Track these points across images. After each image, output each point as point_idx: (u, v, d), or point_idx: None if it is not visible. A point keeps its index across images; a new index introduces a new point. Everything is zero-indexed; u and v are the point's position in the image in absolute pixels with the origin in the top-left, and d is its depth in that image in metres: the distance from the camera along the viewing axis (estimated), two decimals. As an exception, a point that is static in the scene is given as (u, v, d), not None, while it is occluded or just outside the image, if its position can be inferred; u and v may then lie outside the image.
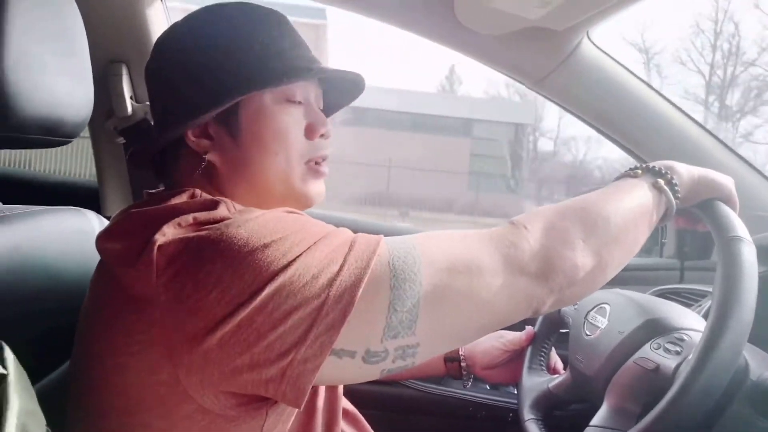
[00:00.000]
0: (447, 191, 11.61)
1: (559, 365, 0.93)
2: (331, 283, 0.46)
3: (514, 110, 13.35)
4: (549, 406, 0.84)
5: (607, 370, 0.70)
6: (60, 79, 0.55)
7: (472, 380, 0.94)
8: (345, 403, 0.72)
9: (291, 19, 0.64)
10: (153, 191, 0.62)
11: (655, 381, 0.63)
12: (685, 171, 0.62)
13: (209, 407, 0.47)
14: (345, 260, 0.47)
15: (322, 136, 0.62)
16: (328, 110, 0.69)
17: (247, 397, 0.48)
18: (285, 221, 0.49)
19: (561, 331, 0.91)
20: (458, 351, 0.93)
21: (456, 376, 0.94)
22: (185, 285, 0.46)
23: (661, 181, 0.60)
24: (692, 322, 0.69)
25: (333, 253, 0.47)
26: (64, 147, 0.63)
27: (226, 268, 0.45)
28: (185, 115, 0.57)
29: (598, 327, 0.76)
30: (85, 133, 0.89)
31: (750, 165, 1.06)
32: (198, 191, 0.55)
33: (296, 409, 0.53)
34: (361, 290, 0.46)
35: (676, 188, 0.60)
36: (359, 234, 0.51)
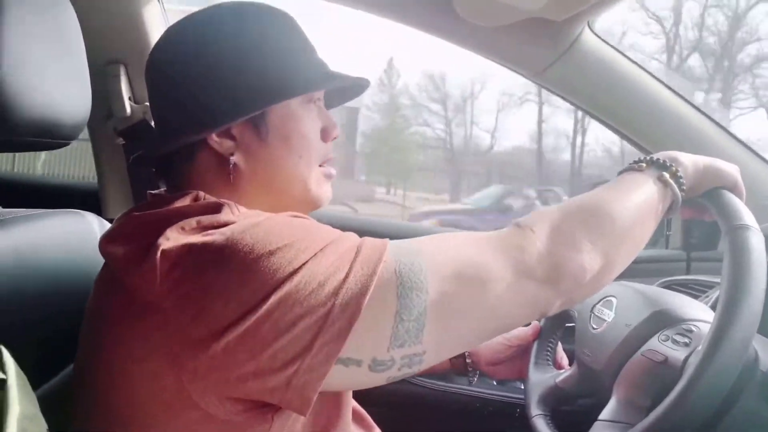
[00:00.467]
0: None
1: (565, 360, 0.92)
2: (337, 291, 0.45)
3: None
4: (556, 401, 0.84)
5: (614, 363, 0.69)
6: (57, 81, 0.55)
7: (477, 376, 0.93)
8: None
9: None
10: (156, 192, 0.62)
11: (663, 373, 0.62)
12: (689, 161, 0.61)
13: (214, 413, 0.47)
14: (351, 267, 0.46)
15: (333, 138, 0.63)
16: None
17: (253, 404, 0.47)
18: (291, 227, 0.49)
19: (567, 325, 0.90)
20: None
21: (461, 372, 0.93)
22: (189, 291, 0.45)
23: (666, 174, 0.59)
24: (700, 313, 0.68)
25: (339, 260, 0.47)
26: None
27: (231, 275, 0.45)
28: (213, 120, 0.56)
29: (605, 320, 0.75)
30: (85, 135, 0.89)
31: (755, 152, 1.05)
32: (201, 194, 0.54)
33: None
34: (367, 299, 0.45)
35: (681, 180, 0.59)
36: (365, 239, 0.50)
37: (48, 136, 0.55)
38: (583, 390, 0.81)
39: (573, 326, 0.85)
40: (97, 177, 1.19)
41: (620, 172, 0.62)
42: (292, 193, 0.60)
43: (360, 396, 0.75)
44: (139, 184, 1.16)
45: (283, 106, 0.58)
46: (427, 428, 1.13)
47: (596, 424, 0.65)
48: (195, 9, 0.61)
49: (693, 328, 0.65)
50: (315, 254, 0.46)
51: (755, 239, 0.56)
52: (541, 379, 0.86)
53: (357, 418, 0.72)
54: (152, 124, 1.06)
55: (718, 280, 0.91)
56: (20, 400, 0.38)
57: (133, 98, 1.10)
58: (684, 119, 1.04)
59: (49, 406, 0.46)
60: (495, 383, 1.13)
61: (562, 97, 1.08)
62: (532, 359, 0.89)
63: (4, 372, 0.38)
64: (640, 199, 0.57)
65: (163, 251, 0.46)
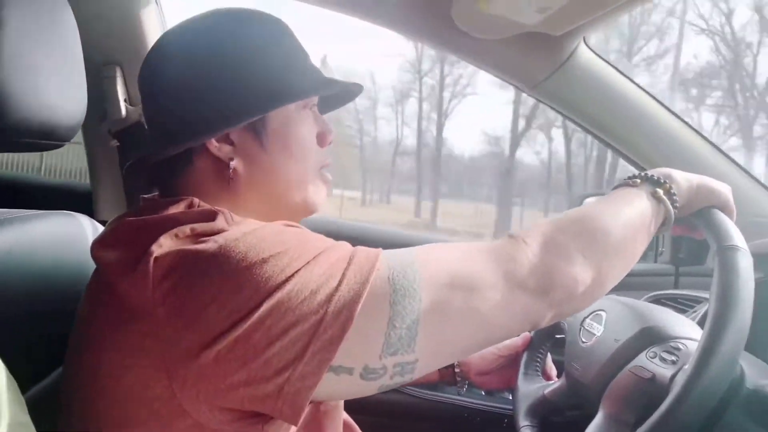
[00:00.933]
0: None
1: (553, 371, 0.93)
2: (329, 299, 0.45)
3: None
4: (544, 412, 0.84)
5: (602, 378, 0.70)
6: (53, 82, 0.54)
7: (467, 386, 0.93)
8: None
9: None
10: (149, 197, 0.61)
11: (650, 390, 0.63)
12: (683, 179, 0.62)
13: (204, 422, 0.47)
14: (344, 275, 0.46)
15: (329, 143, 0.64)
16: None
17: (244, 413, 0.47)
18: (284, 235, 0.49)
19: (557, 336, 0.90)
20: None
21: (450, 382, 0.93)
22: (181, 298, 0.45)
23: (660, 191, 0.60)
24: (688, 331, 0.69)
25: (332, 269, 0.47)
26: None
27: (223, 283, 0.45)
28: (214, 125, 0.56)
29: (594, 334, 0.76)
30: (78, 137, 0.88)
31: (745, 171, 1.07)
32: (196, 200, 0.54)
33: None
34: (360, 306, 0.45)
35: (674, 198, 0.60)
36: (358, 248, 0.50)
37: (43, 137, 0.55)
38: (571, 402, 0.81)
39: (563, 338, 0.86)
40: (89, 178, 1.19)
41: (614, 187, 0.63)
42: (290, 198, 0.60)
43: (349, 405, 0.75)
44: (133, 186, 1.16)
45: (282, 111, 0.58)
46: None
47: None
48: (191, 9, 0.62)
49: (681, 346, 0.65)
50: (308, 262, 0.46)
51: (744, 261, 0.57)
52: (529, 389, 0.86)
53: (345, 428, 0.72)
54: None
55: (705, 295, 0.92)
56: (10, 406, 0.38)
57: (129, 100, 1.10)
58: (676, 136, 1.05)
59: (37, 410, 0.46)
60: (483, 393, 1.14)
61: (558, 111, 1.09)
62: (522, 369, 0.89)
63: None
64: (633, 215, 0.57)
65: (156, 258, 0.46)
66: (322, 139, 0.63)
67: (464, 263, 0.50)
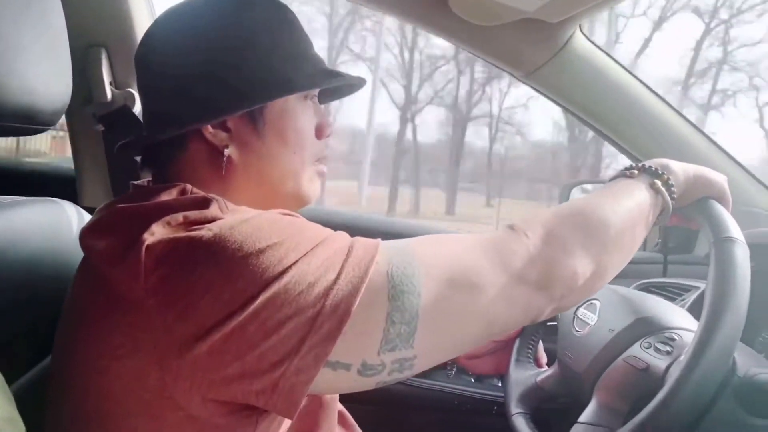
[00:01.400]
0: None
1: (544, 359, 0.93)
2: (327, 292, 0.44)
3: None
4: (536, 399, 0.85)
5: (596, 367, 0.70)
6: (37, 65, 0.52)
7: (455, 370, 0.93)
8: None
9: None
10: (138, 183, 0.59)
11: (644, 380, 0.63)
12: (680, 170, 0.62)
13: (197, 414, 0.46)
14: (342, 268, 0.45)
15: (327, 136, 0.63)
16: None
17: (237, 406, 0.46)
18: (280, 224, 0.47)
19: (549, 324, 0.91)
20: None
21: (439, 365, 0.93)
22: (174, 288, 0.44)
23: (658, 182, 0.59)
24: (682, 321, 0.69)
25: (330, 261, 0.46)
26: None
27: (218, 273, 0.43)
28: (211, 111, 0.54)
29: (588, 323, 0.76)
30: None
31: (735, 161, 1.08)
32: (189, 187, 0.53)
33: None
34: (357, 301, 0.44)
35: (672, 188, 0.60)
36: (357, 239, 0.49)
37: (26, 121, 0.53)
38: (563, 390, 0.82)
39: (554, 325, 0.86)
40: (74, 163, 1.16)
41: (612, 178, 0.63)
42: (284, 189, 0.59)
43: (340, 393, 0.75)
44: (118, 172, 1.13)
45: (282, 100, 0.57)
46: (405, 425, 1.13)
47: (575, 426, 0.66)
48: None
49: (675, 337, 0.66)
50: (305, 254, 0.45)
51: (740, 252, 0.57)
52: (522, 377, 0.86)
53: (338, 417, 0.72)
54: (134, 110, 1.04)
55: (694, 283, 0.93)
56: None
57: (114, 83, 1.07)
58: (671, 126, 1.06)
59: (24, 402, 0.45)
60: (473, 380, 1.14)
61: (552, 99, 1.09)
62: (514, 356, 0.89)
63: None
64: (632, 206, 0.57)
65: (147, 246, 0.45)
66: (320, 131, 0.62)
67: (464, 256, 0.49)
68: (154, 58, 0.58)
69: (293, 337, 0.43)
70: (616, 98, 1.05)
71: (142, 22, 1.03)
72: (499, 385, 1.12)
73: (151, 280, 0.44)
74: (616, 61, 1.04)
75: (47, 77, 0.54)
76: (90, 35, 1.03)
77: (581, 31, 0.99)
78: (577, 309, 0.80)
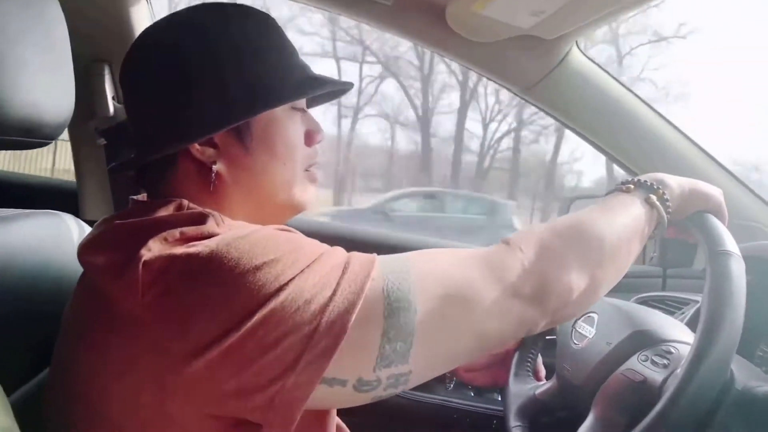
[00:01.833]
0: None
1: (542, 372, 0.93)
2: (323, 309, 0.44)
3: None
4: (535, 413, 0.84)
5: (594, 380, 0.70)
6: (40, 79, 0.53)
7: (454, 383, 0.93)
8: None
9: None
10: (137, 198, 0.60)
11: (642, 393, 0.63)
12: (675, 184, 0.62)
13: (193, 431, 0.46)
14: (338, 285, 0.45)
15: (318, 142, 0.62)
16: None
17: (233, 421, 0.46)
18: (277, 241, 0.48)
19: (547, 337, 0.91)
20: None
21: (438, 377, 0.93)
22: (172, 305, 0.44)
23: (654, 197, 0.60)
24: (679, 334, 0.69)
25: (326, 277, 0.46)
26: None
27: (215, 290, 0.44)
28: (197, 130, 0.54)
29: (586, 336, 0.76)
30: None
31: (732, 175, 1.08)
32: (185, 202, 0.53)
33: None
34: (353, 317, 0.44)
35: (667, 203, 0.60)
36: (353, 254, 0.49)
37: (29, 135, 0.54)
38: (562, 403, 0.81)
39: (553, 339, 0.86)
40: (75, 177, 1.17)
41: (608, 193, 0.63)
42: (276, 200, 0.59)
43: (338, 406, 0.74)
44: (120, 185, 1.14)
45: (267, 113, 0.57)
46: None
47: None
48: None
49: (672, 350, 0.66)
50: (302, 270, 0.45)
51: (736, 266, 0.58)
52: (521, 390, 0.86)
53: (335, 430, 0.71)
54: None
55: (693, 296, 0.93)
56: None
57: (117, 98, 1.08)
58: (667, 141, 1.07)
59: (22, 412, 0.45)
60: (472, 394, 1.14)
61: (550, 114, 1.10)
62: (513, 370, 0.89)
63: None
64: (627, 221, 0.58)
65: (145, 262, 0.45)
66: (310, 138, 0.61)
67: (459, 271, 0.50)
68: (137, 79, 0.58)
69: (290, 353, 0.43)
70: (613, 113, 1.06)
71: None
72: (499, 399, 1.11)
73: (148, 297, 0.44)
74: (614, 77, 1.05)
75: (50, 91, 0.55)
76: (93, 50, 1.05)
77: (578, 47, 1.01)
78: (575, 322, 0.80)
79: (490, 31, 0.92)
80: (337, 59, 12.35)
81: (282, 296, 0.44)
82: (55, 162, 7.09)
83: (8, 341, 0.58)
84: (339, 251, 0.50)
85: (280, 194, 0.59)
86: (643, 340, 0.69)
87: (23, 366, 0.63)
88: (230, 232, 0.48)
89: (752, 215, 1.06)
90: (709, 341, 0.54)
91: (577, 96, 1.05)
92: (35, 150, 0.58)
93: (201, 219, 0.49)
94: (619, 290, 1.01)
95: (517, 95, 1.08)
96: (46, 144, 0.59)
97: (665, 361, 0.64)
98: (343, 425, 0.74)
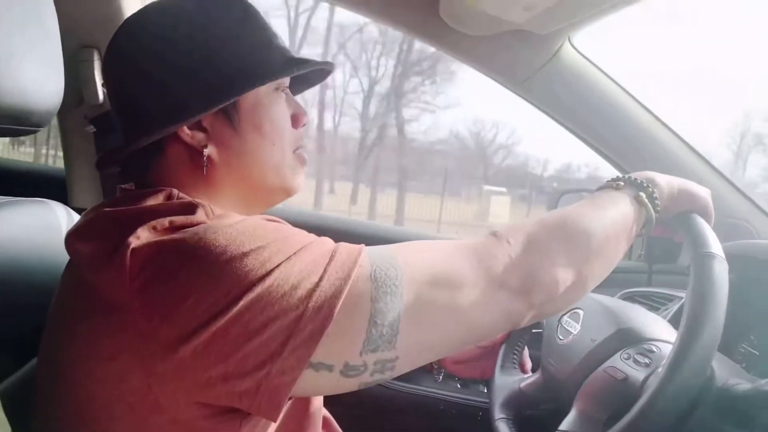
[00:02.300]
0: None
1: (529, 365, 0.94)
2: (310, 294, 0.44)
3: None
4: (520, 405, 0.85)
5: (578, 375, 0.71)
6: (29, 66, 0.52)
7: (443, 375, 0.94)
8: None
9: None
10: (126, 186, 0.60)
11: (623, 391, 0.64)
12: (665, 183, 0.63)
13: (181, 418, 0.46)
14: (325, 271, 0.46)
15: (303, 125, 0.63)
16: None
17: (221, 408, 0.47)
18: (265, 229, 0.48)
19: (534, 331, 0.92)
20: None
21: (426, 369, 0.94)
22: (159, 291, 0.44)
23: (643, 195, 0.60)
24: (662, 333, 0.70)
25: (313, 264, 0.46)
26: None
27: (202, 276, 0.44)
28: (185, 112, 0.54)
29: (571, 332, 0.77)
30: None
31: (719, 173, 1.09)
32: (175, 191, 0.53)
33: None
34: (340, 302, 0.45)
35: (656, 202, 0.61)
36: (341, 244, 0.50)
37: (17, 122, 0.53)
38: (546, 397, 0.83)
39: (540, 332, 0.87)
40: (64, 164, 1.15)
41: (597, 189, 0.64)
42: (267, 182, 0.60)
43: (324, 397, 0.75)
44: (109, 173, 1.13)
45: (253, 94, 0.57)
46: (390, 429, 1.14)
47: None
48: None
49: (654, 349, 0.67)
50: (289, 257, 0.46)
51: (719, 268, 0.58)
52: (506, 382, 0.87)
53: (324, 424, 0.72)
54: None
55: (678, 293, 0.94)
56: None
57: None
58: (658, 138, 1.07)
59: (10, 402, 0.45)
60: (459, 386, 1.15)
61: (541, 110, 1.10)
62: (499, 362, 0.90)
63: None
64: (616, 218, 0.58)
65: (133, 250, 0.45)
66: (296, 121, 0.62)
67: (446, 261, 0.50)
68: (120, 64, 0.58)
69: (276, 338, 0.43)
70: (604, 109, 1.06)
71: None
72: (485, 391, 1.13)
73: (136, 284, 0.44)
74: (606, 74, 1.05)
75: (39, 78, 0.54)
76: (82, 36, 1.03)
77: (570, 43, 1.01)
78: (561, 318, 0.81)
79: (483, 24, 0.92)
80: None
81: (268, 281, 0.44)
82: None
83: None
84: (327, 241, 0.50)
85: (271, 177, 0.59)
86: (626, 339, 0.70)
87: (11, 356, 0.63)
88: (219, 221, 0.48)
89: (740, 213, 1.07)
90: (690, 343, 0.55)
91: (568, 91, 1.05)
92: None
93: (191, 208, 0.49)
94: (605, 285, 1.02)
95: (510, 89, 1.08)
96: (34, 131, 0.58)
97: (647, 360, 0.65)
98: (330, 416, 0.75)
